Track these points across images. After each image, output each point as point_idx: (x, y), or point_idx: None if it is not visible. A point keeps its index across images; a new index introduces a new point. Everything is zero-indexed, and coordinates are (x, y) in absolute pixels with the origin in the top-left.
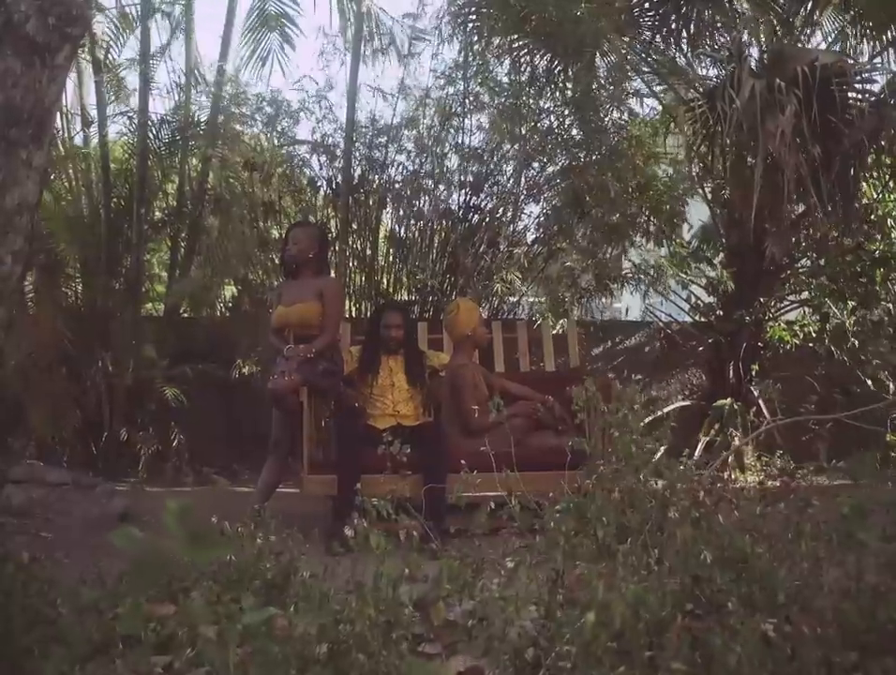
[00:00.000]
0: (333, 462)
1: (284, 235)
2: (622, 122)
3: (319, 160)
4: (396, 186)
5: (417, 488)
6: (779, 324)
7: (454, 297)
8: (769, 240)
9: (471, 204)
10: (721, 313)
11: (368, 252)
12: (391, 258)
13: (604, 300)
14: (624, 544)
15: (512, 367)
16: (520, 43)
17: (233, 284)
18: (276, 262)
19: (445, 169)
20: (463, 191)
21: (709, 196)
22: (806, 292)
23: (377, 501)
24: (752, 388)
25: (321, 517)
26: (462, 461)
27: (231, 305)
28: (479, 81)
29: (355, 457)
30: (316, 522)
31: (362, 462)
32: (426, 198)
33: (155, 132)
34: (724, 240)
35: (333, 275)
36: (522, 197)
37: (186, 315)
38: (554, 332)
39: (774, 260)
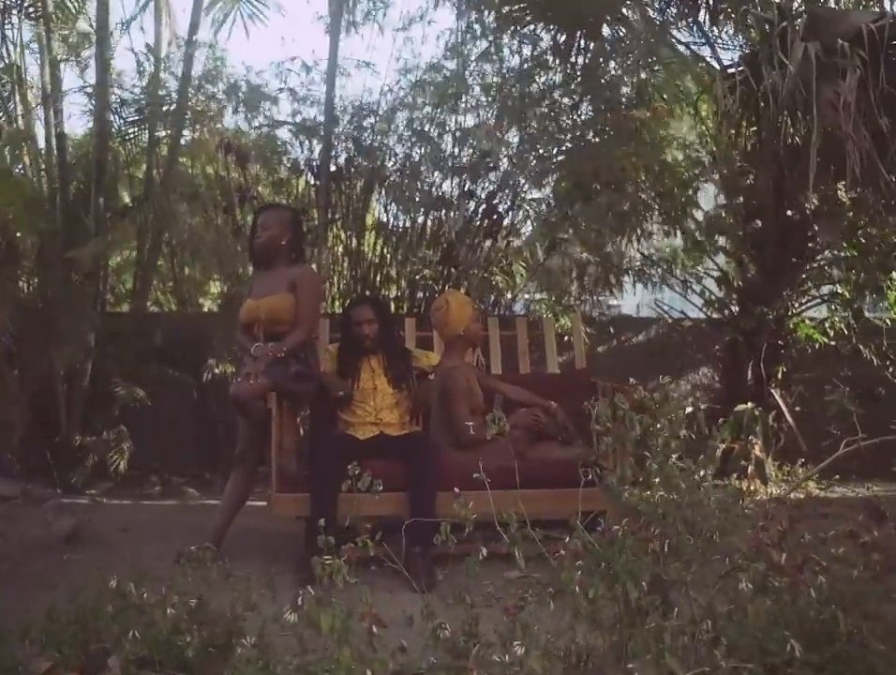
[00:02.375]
0: (306, 478)
1: (252, 220)
2: (632, 101)
3: (299, 142)
4: (385, 171)
5: (402, 507)
6: (804, 321)
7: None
8: (820, 225)
9: (467, 190)
10: (738, 309)
11: (355, 242)
12: (379, 248)
13: (611, 294)
14: (668, 611)
15: (510, 368)
16: (525, 17)
17: (205, 277)
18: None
19: (440, 152)
20: (459, 177)
21: (726, 181)
22: (832, 286)
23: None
24: (773, 391)
25: (295, 537)
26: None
27: (201, 299)
28: (478, 56)
29: (332, 472)
30: (288, 544)
31: (340, 478)
32: (419, 183)
33: (115, 110)
34: (740, 232)
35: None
36: (524, 182)
37: (154, 310)
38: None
39: (803, 249)
